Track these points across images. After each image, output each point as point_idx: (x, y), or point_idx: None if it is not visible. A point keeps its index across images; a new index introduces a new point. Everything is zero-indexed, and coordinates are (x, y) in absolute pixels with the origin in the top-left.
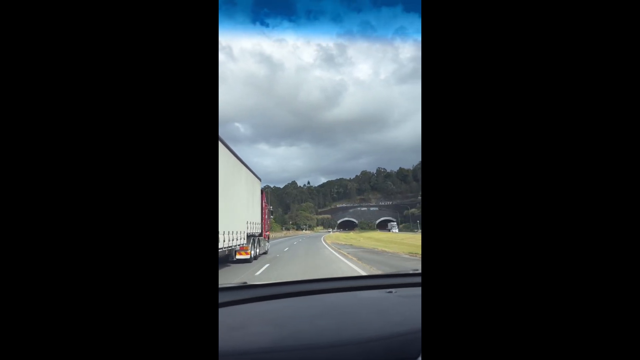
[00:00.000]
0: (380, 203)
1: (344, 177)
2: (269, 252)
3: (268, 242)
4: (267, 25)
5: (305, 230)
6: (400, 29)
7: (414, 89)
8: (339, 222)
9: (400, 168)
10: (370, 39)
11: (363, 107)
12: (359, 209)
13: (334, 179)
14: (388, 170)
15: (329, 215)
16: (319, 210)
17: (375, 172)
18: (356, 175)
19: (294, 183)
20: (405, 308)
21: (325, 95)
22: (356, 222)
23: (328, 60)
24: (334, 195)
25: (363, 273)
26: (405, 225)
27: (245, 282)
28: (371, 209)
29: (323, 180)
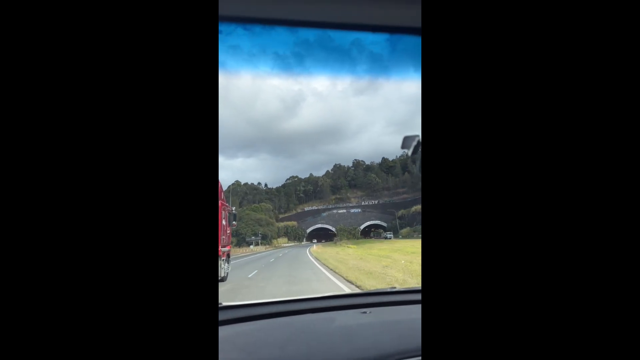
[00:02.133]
0: (363, 203)
1: (313, 174)
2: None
3: (228, 263)
4: (220, 32)
5: (255, 245)
6: (356, 40)
7: (370, 101)
8: (309, 230)
9: (383, 158)
10: (328, 49)
11: (322, 118)
12: (335, 211)
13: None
14: (368, 163)
15: (294, 222)
16: (280, 216)
17: (352, 165)
18: (327, 171)
19: (245, 182)
20: (376, 332)
21: (284, 106)
22: (333, 229)
23: (286, 69)
24: (301, 195)
25: None
26: (414, 229)
27: (221, 303)
28: (352, 210)
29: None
